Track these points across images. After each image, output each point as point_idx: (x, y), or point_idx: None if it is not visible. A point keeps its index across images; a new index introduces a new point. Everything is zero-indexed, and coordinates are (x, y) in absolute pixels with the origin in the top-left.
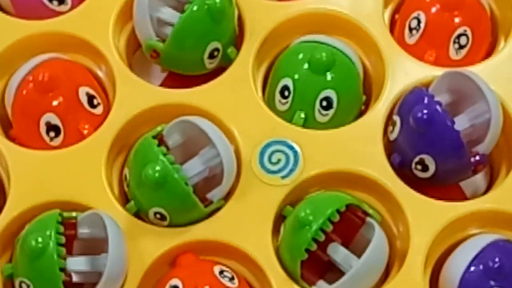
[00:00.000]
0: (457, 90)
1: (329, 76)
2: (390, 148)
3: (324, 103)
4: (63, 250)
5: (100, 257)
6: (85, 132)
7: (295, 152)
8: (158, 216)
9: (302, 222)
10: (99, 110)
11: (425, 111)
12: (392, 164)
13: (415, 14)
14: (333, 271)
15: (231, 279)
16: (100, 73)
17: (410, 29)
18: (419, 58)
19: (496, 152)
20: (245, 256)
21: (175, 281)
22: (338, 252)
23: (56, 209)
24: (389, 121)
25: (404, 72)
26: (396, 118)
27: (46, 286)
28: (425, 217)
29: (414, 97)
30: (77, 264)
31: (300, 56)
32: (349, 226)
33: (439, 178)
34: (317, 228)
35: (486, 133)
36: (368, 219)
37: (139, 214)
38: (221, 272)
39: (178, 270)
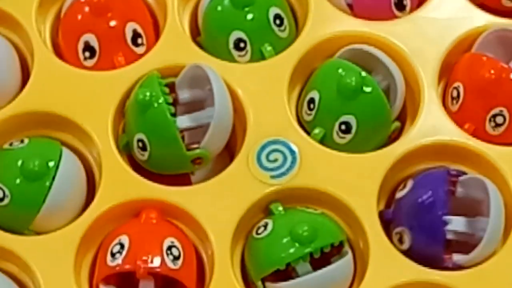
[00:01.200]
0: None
1: (353, 102)
2: (391, 201)
3: (343, 127)
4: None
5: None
6: (117, 63)
7: (294, 159)
8: (140, 144)
9: (299, 239)
10: (140, 50)
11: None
12: (380, 215)
13: (455, 85)
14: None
15: (176, 258)
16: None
17: (452, 98)
18: (460, 126)
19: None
20: (204, 232)
21: (123, 239)
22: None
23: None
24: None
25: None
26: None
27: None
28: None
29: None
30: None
31: (334, 72)
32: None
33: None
34: (308, 252)
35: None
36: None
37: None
38: (169, 248)
39: (132, 227)
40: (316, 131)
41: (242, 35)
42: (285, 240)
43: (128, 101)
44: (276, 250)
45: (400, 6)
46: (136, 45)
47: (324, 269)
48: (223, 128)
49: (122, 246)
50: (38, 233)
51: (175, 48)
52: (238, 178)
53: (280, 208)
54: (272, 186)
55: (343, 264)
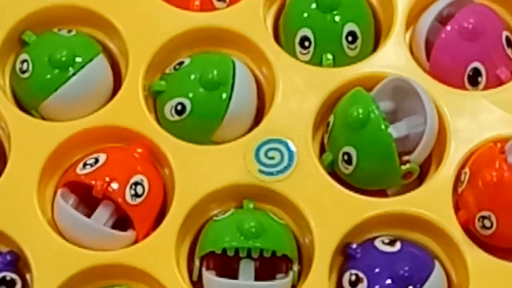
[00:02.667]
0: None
1: (356, 134)
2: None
3: (346, 157)
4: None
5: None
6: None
7: (290, 163)
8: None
9: (243, 230)
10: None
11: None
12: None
13: (465, 169)
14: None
15: (137, 196)
16: None
17: (460, 181)
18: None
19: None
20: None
21: (101, 157)
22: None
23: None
24: None
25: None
26: (332, 117)
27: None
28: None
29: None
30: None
31: (349, 101)
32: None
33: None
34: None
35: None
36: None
37: None
38: (136, 183)
39: (115, 151)
40: (325, 155)
41: (309, 34)
42: (231, 228)
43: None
44: (219, 234)
45: (473, 81)
46: None
47: (261, 283)
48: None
49: (96, 161)
50: (44, 118)
51: None
52: (229, 158)
53: (251, 206)
54: (256, 179)
55: (281, 284)
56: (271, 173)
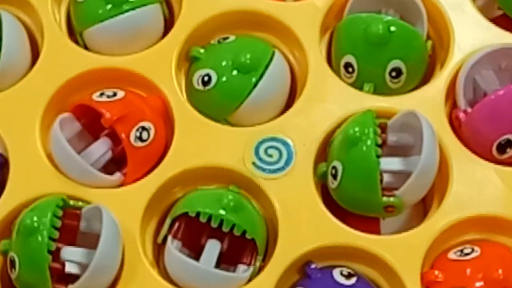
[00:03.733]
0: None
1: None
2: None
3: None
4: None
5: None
6: None
7: (285, 167)
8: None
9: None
10: None
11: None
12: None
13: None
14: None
15: (140, 140)
16: None
17: None
18: None
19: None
20: None
21: (121, 93)
22: (69, 253)
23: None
24: None
25: None
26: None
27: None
28: None
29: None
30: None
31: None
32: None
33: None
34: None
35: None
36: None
37: None
38: (143, 128)
39: (136, 97)
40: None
41: (353, 62)
42: (211, 198)
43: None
44: (198, 199)
45: (501, 150)
46: None
47: (217, 271)
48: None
49: (114, 95)
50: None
51: None
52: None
53: (236, 190)
54: (245, 169)
55: (237, 279)
56: (262, 169)
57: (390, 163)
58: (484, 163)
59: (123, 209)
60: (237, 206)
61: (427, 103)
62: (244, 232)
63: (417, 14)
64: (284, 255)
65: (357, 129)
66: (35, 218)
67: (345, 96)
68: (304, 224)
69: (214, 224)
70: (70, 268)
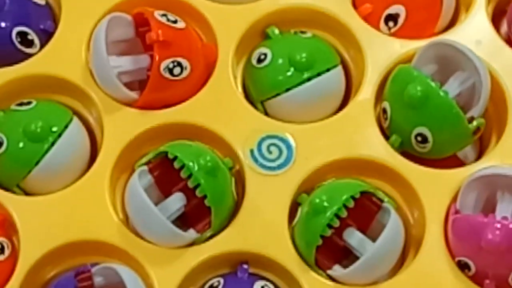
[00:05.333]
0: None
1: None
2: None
3: (419, 138)
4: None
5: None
6: None
7: (282, 165)
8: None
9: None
10: None
11: (419, 88)
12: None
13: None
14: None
15: (171, 73)
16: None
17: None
18: None
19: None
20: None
21: (181, 23)
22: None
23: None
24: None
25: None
26: (386, 104)
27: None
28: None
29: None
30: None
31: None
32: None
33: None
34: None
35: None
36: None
37: None
38: (179, 64)
39: (194, 33)
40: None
41: (388, 110)
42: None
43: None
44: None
45: None
46: None
47: (166, 220)
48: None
49: (174, 22)
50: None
51: None
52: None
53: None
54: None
55: (184, 237)
56: (256, 160)
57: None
58: None
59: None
60: (212, 170)
61: None
62: (205, 197)
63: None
64: (226, 244)
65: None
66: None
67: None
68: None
69: (183, 175)
70: None
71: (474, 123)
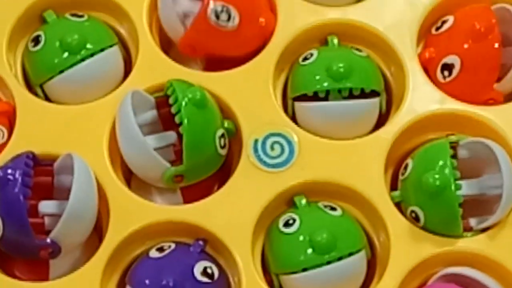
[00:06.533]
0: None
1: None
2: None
3: (413, 215)
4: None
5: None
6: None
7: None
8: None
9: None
10: None
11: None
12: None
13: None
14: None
15: (219, 18)
16: None
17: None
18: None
19: None
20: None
21: None
22: (46, 207)
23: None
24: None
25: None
26: (410, 161)
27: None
28: None
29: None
30: (47, 207)
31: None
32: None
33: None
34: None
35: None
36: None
37: None
38: (227, 10)
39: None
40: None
41: (409, 165)
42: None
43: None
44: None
45: None
46: None
47: (152, 151)
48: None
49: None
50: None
51: None
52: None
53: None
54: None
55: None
56: (257, 155)
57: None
58: None
59: None
60: (199, 102)
61: None
62: (180, 124)
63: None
64: (191, 215)
65: (437, 176)
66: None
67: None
68: None
69: (171, 101)
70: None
71: (468, 234)
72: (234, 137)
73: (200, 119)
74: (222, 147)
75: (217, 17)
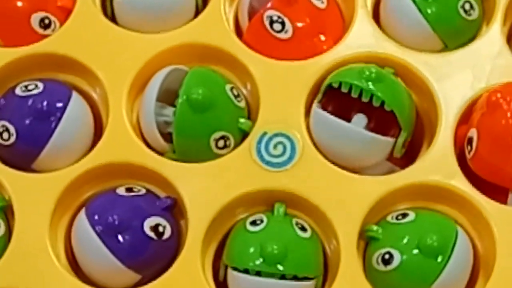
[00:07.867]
0: None
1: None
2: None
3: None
4: None
5: None
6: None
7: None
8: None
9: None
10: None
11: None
12: None
13: None
14: None
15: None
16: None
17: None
18: None
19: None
20: None
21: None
22: None
23: None
24: None
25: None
26: None
27: None
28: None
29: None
30: None
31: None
32: None
33: None
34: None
35: None
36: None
37: None
38: (281, 22)
39: None
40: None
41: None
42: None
43: None
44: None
45: None
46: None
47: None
48: None
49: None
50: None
51: None
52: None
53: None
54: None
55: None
56: (260, 154)
57: None
58: None
59: None
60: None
61: None
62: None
63: None
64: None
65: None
66: None
67: None
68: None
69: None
70: None
71: None
72: None
73: (191, 122)
74: (222, 148)
75: (271, 24)
